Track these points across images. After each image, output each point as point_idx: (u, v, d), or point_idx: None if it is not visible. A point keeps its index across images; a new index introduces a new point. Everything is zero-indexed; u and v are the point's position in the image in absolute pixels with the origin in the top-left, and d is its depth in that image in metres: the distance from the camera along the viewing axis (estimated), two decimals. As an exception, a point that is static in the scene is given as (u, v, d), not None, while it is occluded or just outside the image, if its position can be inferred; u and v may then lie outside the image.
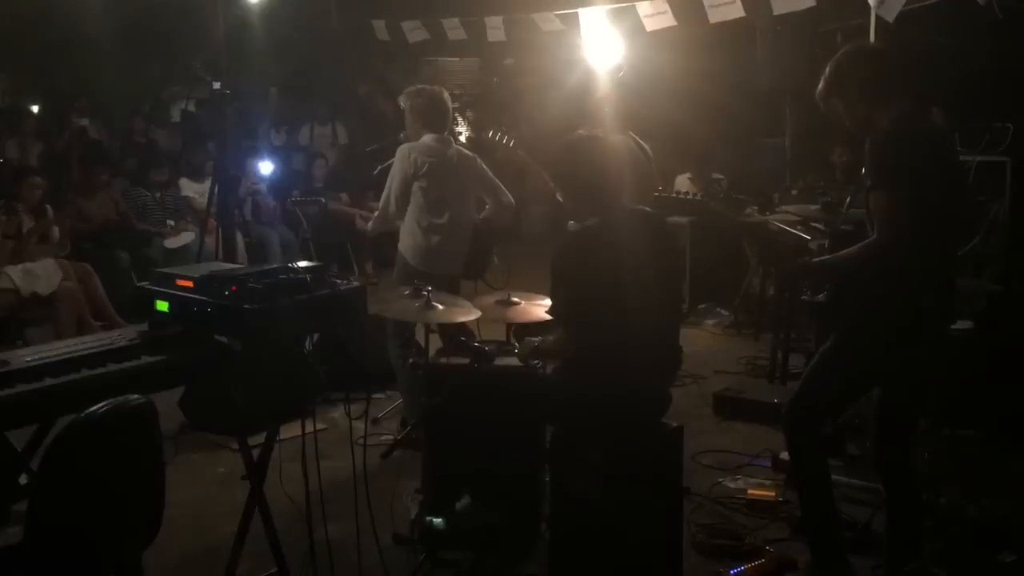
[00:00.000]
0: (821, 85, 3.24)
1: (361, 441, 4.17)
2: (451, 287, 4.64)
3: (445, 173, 4.86)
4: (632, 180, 4.17)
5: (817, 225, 5.67)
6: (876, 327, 3.12)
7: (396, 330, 4.84)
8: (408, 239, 4.88)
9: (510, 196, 5.13)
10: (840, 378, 3.24)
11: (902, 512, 3.25)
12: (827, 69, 3.22)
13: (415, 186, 4.82)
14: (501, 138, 5.12)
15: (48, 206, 6.58)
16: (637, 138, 5.22)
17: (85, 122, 8.85)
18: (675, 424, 3.45)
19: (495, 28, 7.72)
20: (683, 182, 8.65)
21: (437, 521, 3.55)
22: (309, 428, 3.13)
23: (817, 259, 3.42)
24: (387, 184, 4.91)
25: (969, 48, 7.34)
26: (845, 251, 3.14)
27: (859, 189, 3.48)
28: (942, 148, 3.17)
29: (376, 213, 5.14)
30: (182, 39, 9.70)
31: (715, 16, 6.23)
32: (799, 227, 6.36)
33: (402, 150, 4.87)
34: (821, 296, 3.60)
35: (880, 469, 3.31)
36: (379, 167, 5.18)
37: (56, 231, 6.67)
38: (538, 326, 3.91)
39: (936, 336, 3.22)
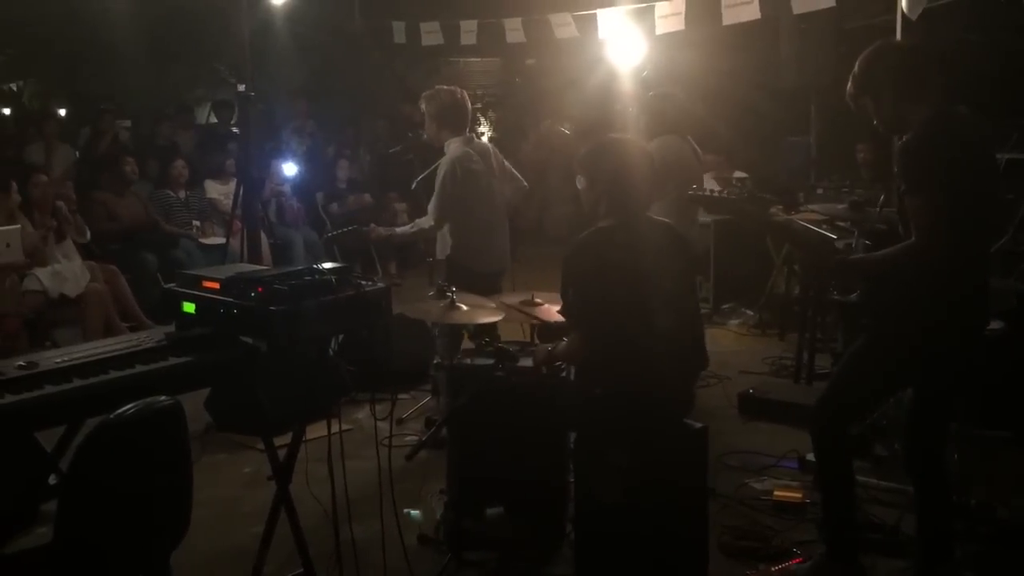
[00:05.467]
0: (850, 84, 3.20)
1: (386, 442, 4.18)
2: (499, 280, 4.82)
3: (484, 173, 4.92)
4: (683, 182, 4.35)
5: (843, 224, 5.62)
6: (911, 327, 3.08)
7: (445, 345, 4.84)
8: (464, 243, 4.87)
9: (524, 182, 5.23)
10: (871, 378, 3.21)
11: (932, 513, 3.22)
12: (856, 67, 3.17)
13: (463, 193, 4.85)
14: (555, 129, 5.18)
15: (61, 203, 6.60)
16: (692, 142, 5.28)
17: (127, 123, 8.93)
18: (700, 425, 3.43)
19: (514, 30, 7.73)
20: (707, 182, 8.61)
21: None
22: (334, 429, 3.14)
23: (854, 257, 3.39)
24: (438, 198, 4.85)
25: (996, 45, 7.26)
26: (882, 252, 3.10)
27: (890, 189, 3.45)
28: (978, 147, 3.11)
29: (419, 223, 5.04)
30: (206, 42, 9.76)
31: (730, 17, 6.20)
32: (825, 226, 6.31)
33: (449, 163, 4.85)
34: (853, 296, 3.57)
35: (911, 470, 3.28)
36: (417, 179, 5.19)
37: (80, 225, 6.71)
38: (562, 327, 3.90)
39: (972, 337, 3.18)
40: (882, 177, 7.10)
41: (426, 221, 4.94)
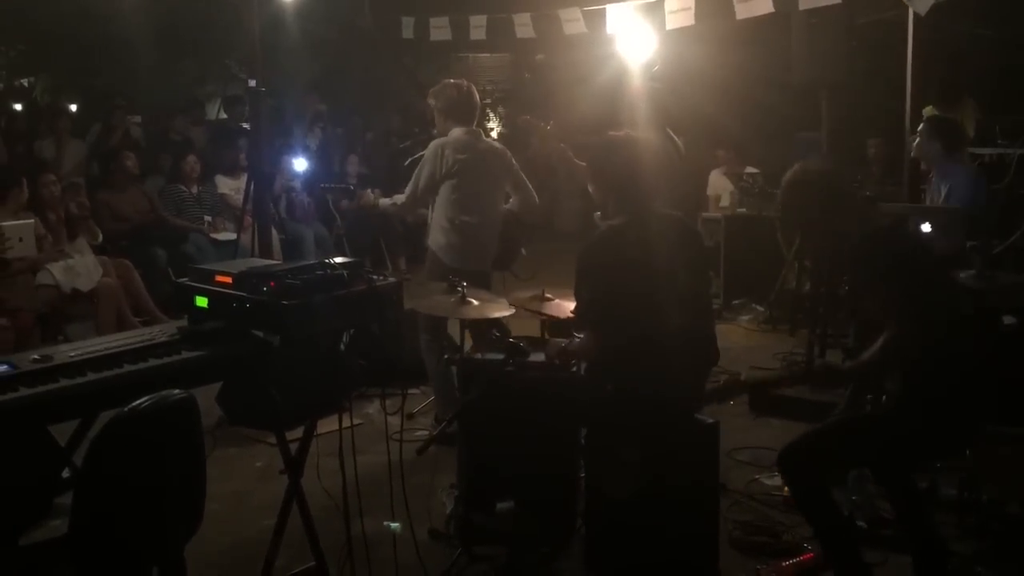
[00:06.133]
0: (782, 224, 3.32)
1: (396, 436, 4.19)
2: (482, 281, 4.65)
3: (476, 168, 4.84)
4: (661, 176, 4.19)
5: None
6: (915, 408, 3.06)
7: (427, 326, 4.85)
8: (440, 236, 4.87)
9: (535, 195, 5.10)
10: (866, 446, 3.15)
11: (916, 530, 3.21)
12: (780, 206, 3.29)
13: (447, 183, 4.81)
14: (537, 123, 5.13)
15: (73, 203, 6.63)
16: (673, 135, 5.20)
17: (138, 119, 8.95)
18: (711, 420, 3.43)
19: (523, 25, 7.73)
20: (717, 177, 8.60)
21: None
22: (345, 423, 3.15)
23: (847, 365, 3.36)
24: (415, 174, 4.88)
25: (1008, 40, 7.22)
26: (867, 354, 3.07)
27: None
28: (915, 236, 3.30)
29: (396, 198, 5.08)
30: (217, 38, 9.80)
31: (743, 12, 6.18)
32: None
33: (434, 145, 4.86)
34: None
35: (894, 504, 3.31)
36: (409, 159, 5.19)
37: (92, 228, 6.74)
38: (571, 322, 3.90)
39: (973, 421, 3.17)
40: (893, 173, 7.08)
41: (399, 197, 4.96)
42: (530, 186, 5.08)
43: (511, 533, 3.59)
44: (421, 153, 4.98)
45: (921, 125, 5.60)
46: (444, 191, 4.83)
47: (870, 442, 3.11)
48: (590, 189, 3.48)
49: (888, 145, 7.34)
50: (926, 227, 5.02)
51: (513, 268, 5.19)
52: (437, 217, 4.88)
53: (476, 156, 4.85)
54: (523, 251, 5.21)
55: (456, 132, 4.88)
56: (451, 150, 4.81)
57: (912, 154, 5.77)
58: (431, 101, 5.03)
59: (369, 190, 5.86)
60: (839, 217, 3.14)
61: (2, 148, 7.91)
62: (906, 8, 5.95)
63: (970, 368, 3.03)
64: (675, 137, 5.24)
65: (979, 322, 3.17)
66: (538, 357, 3.72)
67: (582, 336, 3.43)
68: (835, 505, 3.17)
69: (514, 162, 5.06)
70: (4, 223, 5.80)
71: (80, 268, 6.35)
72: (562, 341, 3.57)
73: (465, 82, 5.04)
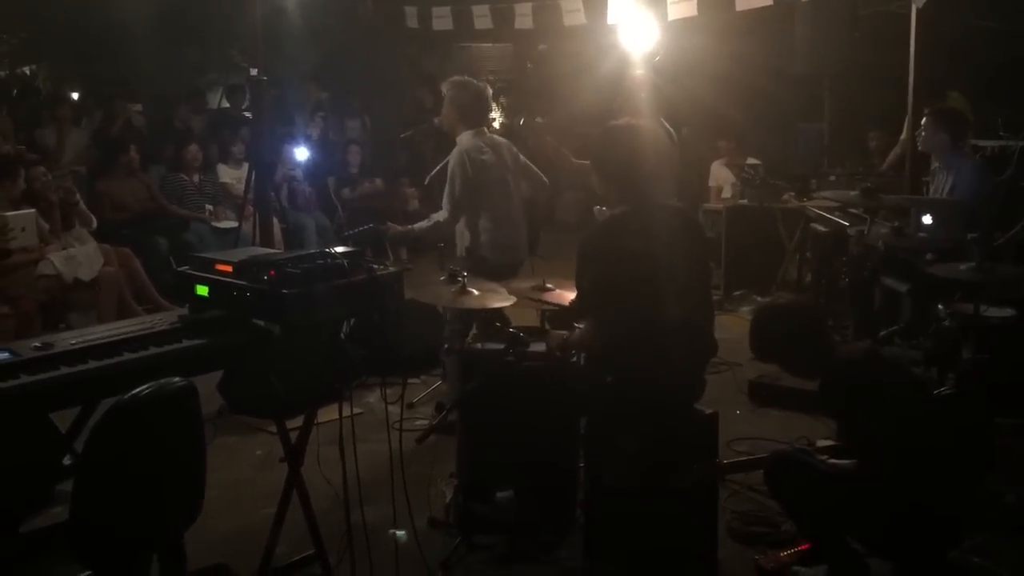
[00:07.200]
0: (755, 354, 3.33)
1: (397, 426, 4.20)
2: (518, 270, 4.82)
3: (497, 165, 4.91)
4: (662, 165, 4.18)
5: (856, 211, 5.60)
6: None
7: (455, 315, 4.84)
8: (480, 236, 4.88)
9: (543, 177, 5.19)
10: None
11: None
12: (752, 340, 3.27)
13: (478, 186, 4.84)
14: (531, 122, 5.16)
15: (61, 190, 6.63)
16: (666, 124, 5.21)
17: (138, 107, 8.93)
18: (710, 411, 3.43)
19: (523, 15, 7.72)
20: (719, 168, 8.60)
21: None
22: (346, 412, 3.16)
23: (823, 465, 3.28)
24: (448, 188, 4.86)
25: (1010, 32, 7.20)
26: (842, 465, 3.13)
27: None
28: (894, 370, 3.24)
29: (434, 218, 5.02)
30: (219, 26, 9.77)
31: (743, 3, 6.17)
32: (837, 213, 6.30)
33: (456, 155, 4.86)
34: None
35: None
36: (430, 174, 5.19)
37: (85, 214, 6.75)
38: (571, 313, 3.90)
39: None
40: (896, 166, 7.08)
41: (441, 215, 4.95)
42: (537, 170, 5.16)
43: (511, 522, 3.60)
44: (444, 162, 4.97)
45: (924, 118, 5.60)
46: (478, 194, 4.86)
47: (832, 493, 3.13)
48: (593, 180, 3.48)
49: (888, 136, 7.34)
50: (927, 219, 5.02)
51: (538, 251, 5.28)
52: (473, 220, 4.89)
53: (494, 153, 4.92)
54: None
55: (467, 136, 4.91)
56: (475, 153, 4.86)
57: (920, 147, 5.77)
58: (444, 90, 5.03)
59: (390, 223, 5.77)
60: (810, 352, 3.15)
61: (11, 133, 7.89)
62: (908, 0, 5.95)
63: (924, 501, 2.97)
64: (668, 126, 5.24)
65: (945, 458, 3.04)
66: (538, 347, 3.73)
67: (582, 326, 3.44)
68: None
69: (518, 152, 5.11)
70: (7, 213, 5.81)
71: (81, 257, 6.36)
72: (563, 333, 3.58)
73: (485, 84, 5.08)
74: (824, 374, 3.11)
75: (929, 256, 4.92)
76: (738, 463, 3.58)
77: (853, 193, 5.56)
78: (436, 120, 5.16)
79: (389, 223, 5.77)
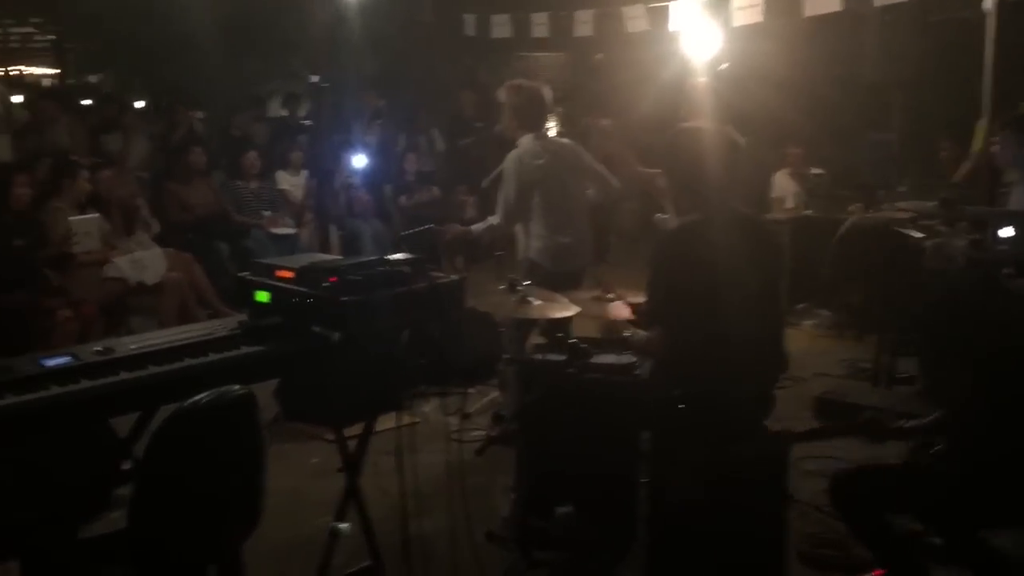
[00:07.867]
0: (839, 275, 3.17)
1: (455, 436, 4.14)
2: (581, 278, 4.71)
3: (557, 170, 4.81)
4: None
5: (932, 223, 5.41)
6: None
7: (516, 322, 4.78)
8: (537, 243, 4.81)
9: (612, 179, 5.04)
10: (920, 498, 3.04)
11: None
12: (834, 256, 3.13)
13: (534, 192, 4.77)
14: (595, 123, 5.06)
15: (138, 202, 6.73)
16: (735, 133, 5.09)
17: (200, 115, 9.05)
18: (779, 427, 3.31)
19: (584, 23, 7.66)
20: (783, 178, 8.42)
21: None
22: (402, 421, 3.10)
23: (908, 425, 3.19)
24: (502, 193, 4.82)
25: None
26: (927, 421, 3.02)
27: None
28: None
29: (490, 220, 4.99)
30: (280, 35, 9.89)
31: (811, 8, 6.04)
32: (911, 226, 6.10)
33: (512, 158, 4.81)
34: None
35: None
36: (488, 178, 5.12)
37: (148, 220, 6.82)
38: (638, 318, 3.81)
39: None
40: (969, 178, 6.86)
41: (495, 219, 4.89)
42: (605, 172, 5.03)
43: (571, 538, 3.51)
44: (498, 169, 4.92)
45: (1001, 130, 5.41)
46: (533, 199, 4.79)
47: (923, 495, 3.00)
48: (663, 186, 3.39)
49: (959, 146, 7.13)
50: (1007, 231, 4.85)
51: (608, 258, 5.16)
52: (530, 227, 4.82)
53: (553, 158, 4.82)
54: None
55: (527, 139, 4.84)
56: (530, 157, 4.78)
57: (998, 162, 5.57)
58: (503, 96, 4.97)
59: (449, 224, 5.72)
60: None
61: (84, 139, 8.04)
62: (978, 8, 5.77)
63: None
64: (736, 135, 5.13)
65: None
66: (601, 359, 3.64)
67: (648, 333, 3.33)
68: (893, 530, 3.07)
69: (585, 153, 5.01)
70: (72, 218, 5.89)
71: (147, 261, 6.44)
72: (627, 332, 3.48)
73: (539, 85, 5.00)
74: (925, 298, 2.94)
75: (1007, 270, 4.74)
76: (810, 432, 3.44)
77: (930, 204, 5.39)
78: (497, 127, 5.10)
79: (451, 225, 5.71)
